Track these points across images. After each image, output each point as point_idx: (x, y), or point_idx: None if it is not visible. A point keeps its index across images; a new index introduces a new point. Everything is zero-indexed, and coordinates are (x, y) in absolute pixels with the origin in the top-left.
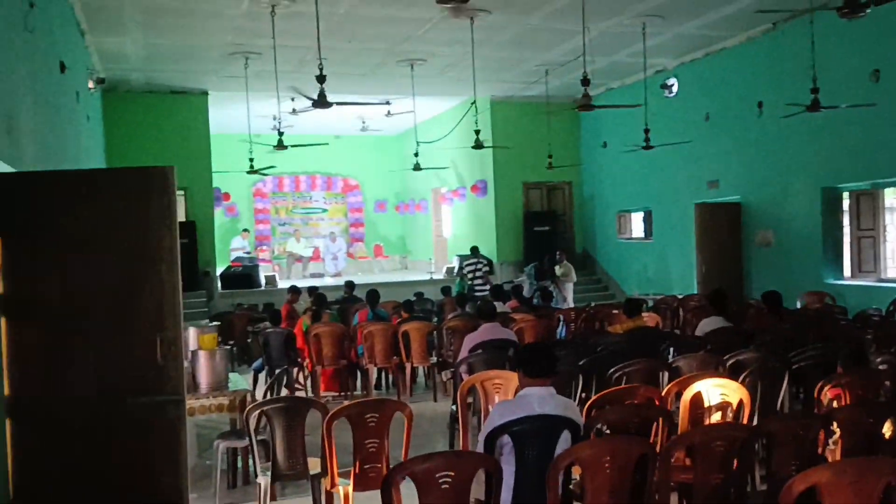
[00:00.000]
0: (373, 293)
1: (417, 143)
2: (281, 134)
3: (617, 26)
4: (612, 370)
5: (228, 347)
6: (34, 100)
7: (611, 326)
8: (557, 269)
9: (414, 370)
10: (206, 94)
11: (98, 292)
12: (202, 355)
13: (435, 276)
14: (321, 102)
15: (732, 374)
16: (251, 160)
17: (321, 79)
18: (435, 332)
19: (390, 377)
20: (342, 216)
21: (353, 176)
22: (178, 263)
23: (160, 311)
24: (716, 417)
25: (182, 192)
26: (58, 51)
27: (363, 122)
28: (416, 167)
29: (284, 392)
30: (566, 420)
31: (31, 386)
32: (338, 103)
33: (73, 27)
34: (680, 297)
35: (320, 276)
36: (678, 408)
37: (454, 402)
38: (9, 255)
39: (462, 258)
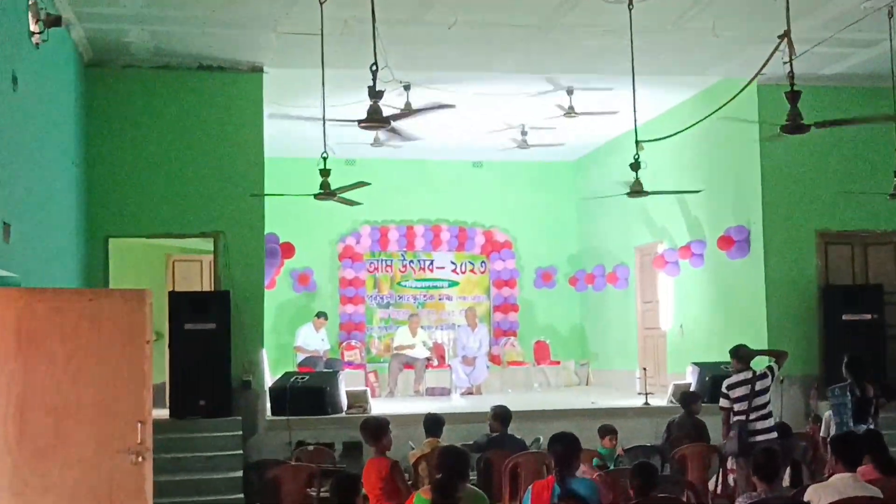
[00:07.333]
0: (570, 447)
1: (637, 141)
2: (377, 93)
3: None
4: None
5: None
6: None
7: None
8: None
9: None
10: (259, 71)
11: None
12: None
13: (652, 401)
14: None
15: None
16: (324, 169)
17: None
18: None
19: None
20: (482, 293)
21: (501, 227)
22: None
23: None
24: None
25: (210, 240)
26: None
27: (522, 134)
28: (636, 189)
29: None
30: None
31: None
32: None
33: None
34: None
35: (445, 393)
36: None
37: None
38: None
39: (704, 369)
